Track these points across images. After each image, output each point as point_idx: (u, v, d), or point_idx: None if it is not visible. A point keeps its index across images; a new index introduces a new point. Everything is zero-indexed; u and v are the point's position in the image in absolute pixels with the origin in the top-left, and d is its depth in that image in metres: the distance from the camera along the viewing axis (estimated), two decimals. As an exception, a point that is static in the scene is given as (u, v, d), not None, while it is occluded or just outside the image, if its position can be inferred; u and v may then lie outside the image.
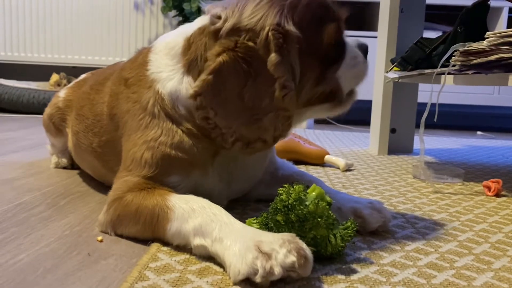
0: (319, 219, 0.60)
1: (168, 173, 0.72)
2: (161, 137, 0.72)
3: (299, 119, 0.79)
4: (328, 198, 0.63)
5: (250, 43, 0.66)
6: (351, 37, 0.79)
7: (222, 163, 0.77)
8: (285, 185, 0.63)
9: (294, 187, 0.62)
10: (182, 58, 0.74)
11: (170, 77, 0.74)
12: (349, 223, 0.64)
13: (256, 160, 0.82)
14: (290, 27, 0.67)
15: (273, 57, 0.66)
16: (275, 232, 0.60)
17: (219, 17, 0.70)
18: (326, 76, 0.73)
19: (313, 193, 0.62)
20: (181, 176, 0.73)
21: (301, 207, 0.60)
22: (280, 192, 0.62)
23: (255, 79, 0.67)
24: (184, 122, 0.73)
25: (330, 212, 0.61)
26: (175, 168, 0.72)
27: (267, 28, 0.66)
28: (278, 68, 0.66)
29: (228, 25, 0.68)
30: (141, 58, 0.80)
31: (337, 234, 0.62)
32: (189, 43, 0.74)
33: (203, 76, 0.67)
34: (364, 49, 0.79)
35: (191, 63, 0.73)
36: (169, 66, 0.75)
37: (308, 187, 0.64)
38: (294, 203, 0.60)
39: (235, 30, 0.67)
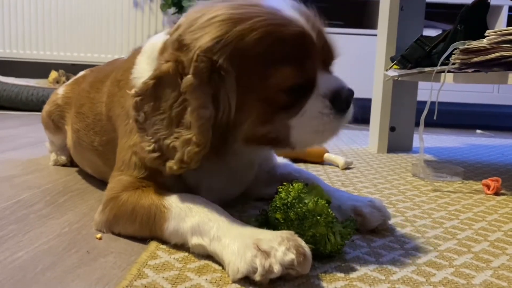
0: (318, 217, 0.60)
1: (158, 175, 0.71)
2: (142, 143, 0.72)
3: (250, 152, 0.74)
4: (327, 196, 0.63)
5: (185, 61, 0.63)
6: (336, 76, 0.67)
7: (205, 173, 0.74)
8: (285, 184, 0.63)
9: (294, 185, 0.62)
10: (159, 61, 0.71)
11: None
12: (348, 221, 0.64)
13: (243, 166, 0.79)
14: (220, 58, 0.61)
15: (187, 79, 0.61)
16: (276, 227, 0.60)
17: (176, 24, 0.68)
18: (273, 119, 0.64)
19: (313, 191, 0.62)
20: (171, 178, 0.72)
21: (300, 205, 0.60)
22: (280, 190, 0.62)
23: (184, 98, 0.63)
24: None
25: (329, 210, 0.61)
26: (162, 172, 0.71)
27: (195, 49, 0.61)
28: (191, 92, 0.61)
29: (174, 35, 0.66)
30: (130, 60, 0.81)
31: (337, 232, 0.62)
32: (164, 47, 0.71)
33: (146, 79, 0.66)
34: (344, 98, 0.65)
35: None
36: (147, 72, 0.72)
37: (307, 185, 0.64)
38: (293, 201, 0.60)
39: (177, 42, 0.65)
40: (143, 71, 0.75)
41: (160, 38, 0.75)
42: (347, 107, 0.66)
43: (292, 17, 0.63)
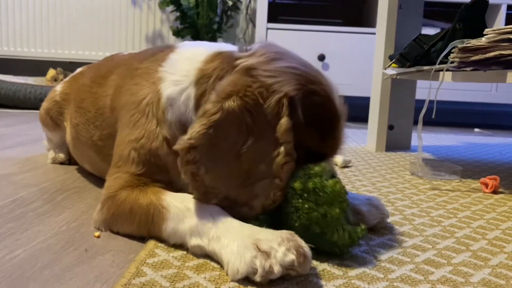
0: (334, 196, 0.59)
1: (155, 172, 0.71)
2: (142, 139, 0.71)
3: None
4: (346, 198, 0.61)
5: (261, 100, 0.61)
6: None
7: None
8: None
9: (321, 165, 0.62)
10: (201, 67, 0.71)
11: (177, 82, 0.72)
12: (359, 228, 0.63)
13: None
14: (298, 106, 0.63)
15: (285, 120, 0.61)
16: (289, 200, 0.61)
17: (248, 51, 0.68)
18: None
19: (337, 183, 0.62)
20: (168, 175, 0.72)
21: (321, 179, 0.60)
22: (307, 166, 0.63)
23: (257, 140, 0.61)
24: (166, 129, 0.71)
25: (346, 197, 0.61)
26: (160, 169, 0.71)
27: (282, 94, 0.61)
28: (288, 133, 0.61)
29: (249, 62, 0.65)
30: (161, 55, 0.79)
31: (346, 230, 0.61)
32: (215, 57, 0.70)
33: (200, 127, 0.60)
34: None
35: (203, 77, 0.70)
36: (183, 71, 0.72)
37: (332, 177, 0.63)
38: (316, 173, 0.61)
39: (250, 71, 0.63)
40: (178, 70, 0.73)
41: (202, 49, 0.74)
42: None
43: (336, 98, 0.67)
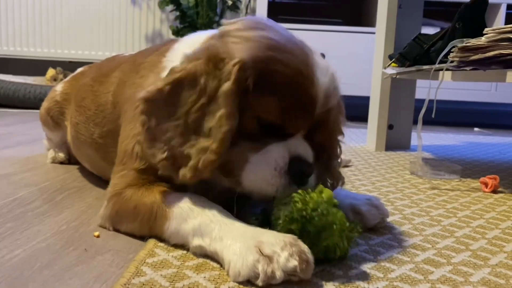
0: (335, 227, 0.58)
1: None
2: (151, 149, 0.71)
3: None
4: (335, 201, 0.60)
5: (221, 65, 0.61)
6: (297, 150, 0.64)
7: None
8: (300, 192, 0.59)
9: (311, 195, 0.59)
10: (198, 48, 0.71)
11: None
12: (354, 224, 0.62)
13: None
14: (251, 75, 0.60)
15: (226, 85, 0.60)
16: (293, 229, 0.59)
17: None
18: (237, 143, 0.62)
19: (323, 195, 0.59)
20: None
21: (320, 217, 0.57)
22: (296, 200, 0.59)
23: (208, 103, 0.61)
24: None
25: (344, 220, 0.59)
26: (174, 179, 0.70)
27: (237, 60, 0.60)
28: (227, 98, 0.59)
29: (227, 28, 0.66)
30: (163, 47, 0.80)
31: (344, 237, 0.60)
32: (213, 36, 0.71)
33: (161, 82, 0.64)
34: (297, 170, 0.63)
35: None
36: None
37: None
38: (313, 213, 0.57)
39: (223, 37, 0.65)
40: (178, 56, 0.72)
41: (203, 34, 0.75)
42: (299, 176, 0.63)
43: (316, 76, 0.63)
